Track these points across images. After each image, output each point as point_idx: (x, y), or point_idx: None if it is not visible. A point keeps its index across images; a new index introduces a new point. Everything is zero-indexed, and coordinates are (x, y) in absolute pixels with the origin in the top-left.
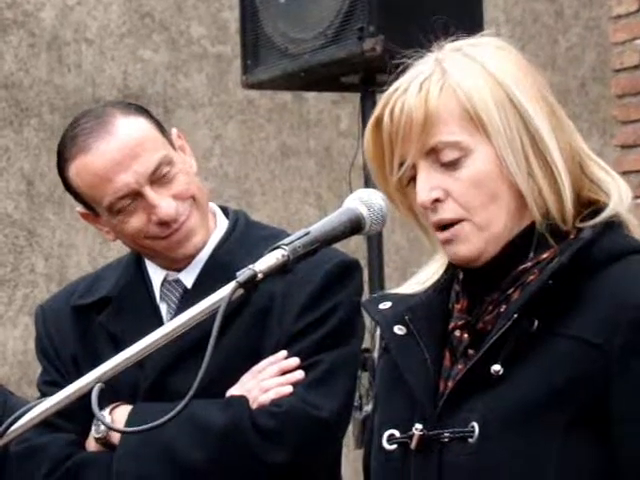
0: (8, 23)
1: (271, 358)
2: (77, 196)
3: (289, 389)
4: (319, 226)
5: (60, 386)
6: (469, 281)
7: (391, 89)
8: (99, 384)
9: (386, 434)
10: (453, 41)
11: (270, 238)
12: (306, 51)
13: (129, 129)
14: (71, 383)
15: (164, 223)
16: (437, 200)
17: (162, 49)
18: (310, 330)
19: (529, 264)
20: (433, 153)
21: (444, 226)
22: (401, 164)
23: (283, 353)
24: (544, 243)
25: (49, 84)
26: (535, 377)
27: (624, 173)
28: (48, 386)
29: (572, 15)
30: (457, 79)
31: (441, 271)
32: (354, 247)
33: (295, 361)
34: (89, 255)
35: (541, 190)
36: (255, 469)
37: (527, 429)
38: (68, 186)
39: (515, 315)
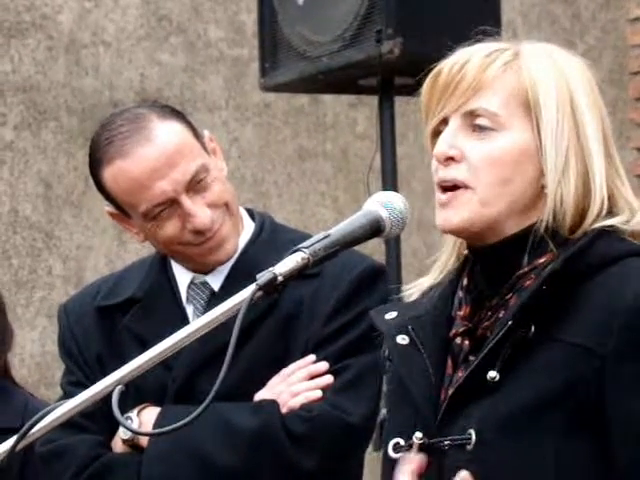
0: (26, 26)
1: (300, 362)
2: (110, 198)
3: (318, 393)
4: (339, 229)
5: (84, 386)
6: (473, 287)
7: (465, 48)
8: (120, 386)
9: (392, 442)
10: (472, 44)
11: (297, 241)
12: (324, 54)
13: (167, 135)
14: (95, 383)
15: (199, 232)
16: (452, 159)
17: (179, 52)
18: (338, 335)
19: (526, 269)
20: (470, 116)
21: (445, 189)
22: (442, 118)
23: (311, 357)
24: (543, 247)
25: (67, 87)
26: (530, 383)
27: None
28: (73, 386)
29: (589, 18)
30: (528, 63)
31: (450, 267)
32: (371, 251)
33: (324, 365)
34: (106, 257)
35: (565, 199)
36: (286, 474)
37: (522, 435)
38: (101, 187)
39: (510, 322)
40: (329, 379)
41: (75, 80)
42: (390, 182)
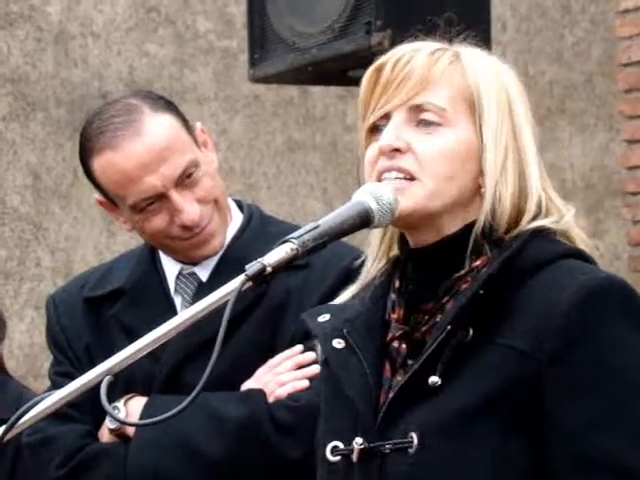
0: (15, 17)
1: (287, 352)
2: (98, 187)
3: (305, 383)
4: (328, 219)
5: (72, 377)
6: (405, 290)
7: (403, 46)
8: (108, 377)
9: (330, 445)
10: (460, 37)
11: (285, 233)
12: (313, 45)
13: (158, 130)
14: (83, 374)
15: (187, 227)
16: (397, 150)
17: (168, 43)
18: None
19: (462, 272)
20: (415, 111)
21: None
22: (385, 112)
23: (299, 347)
24: (479, 249)
25: (55, 78)
26: (469, 386)
27: (631, 168)
28: (60, 377)
29: (579, 10)
30: (470, 63)
31: (376, 275)
32: (360, 243)
33: (311, 356)
34: (95, 249)
35: (503, 198)
36: (272, 463)
37: (463, 437)
38: (90, 176)
39: (448, 327)
40: (316, 369)
41: (64, 71)
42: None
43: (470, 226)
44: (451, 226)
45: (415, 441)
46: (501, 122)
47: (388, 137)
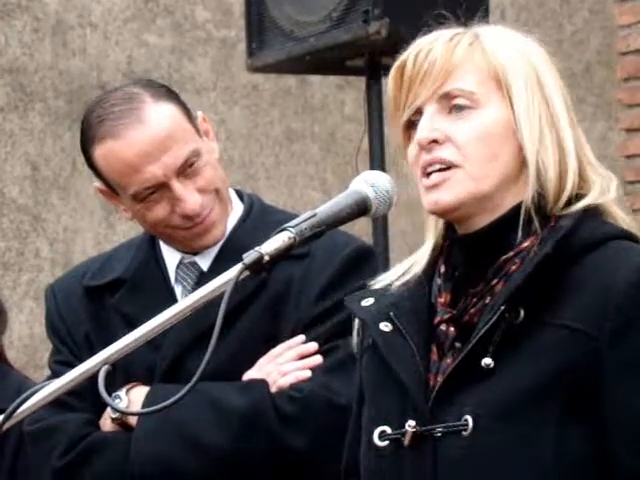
0: (12, 7)
1: (289, 342)
2: (100, 175)
3: (308, 373)
4: (326, 208)
5: (72, 365)
6: (451, 274)
7: (421, 38)
8: (106, 366)
9: (377, 431)
10: (460, 25)
11: (285, 222)
12: (311, 34)
13: (160, 118)
14: (83, 362)
15: (188, 216)
16: (435, 141)
17: (166, 33)
18: (327, 315)
19: (511, 253)
20: (445, 99)
21: (430, 173)
22: (417, 107)
23: (301, 338)
24: (528, 228)
25: (54, 69)
26: (525, 367)
27: (629, 157)
28: (60, 365)
29: None
30: (490, 43)
31: (423, 261)
32: (359, 232)
33: (313, 346)
34: (94, 239)
35: (546, 167)
36: (274, 453)
37: (520, 419)
38: (91, 164)
39: (502, 307)
40: (318, 359)
41: (62, 62)
42: (378, 163)
43: (517, 208)
44: (504, 206)
45: (470, 424)
46: (531, 93)
47: (424, 131)
